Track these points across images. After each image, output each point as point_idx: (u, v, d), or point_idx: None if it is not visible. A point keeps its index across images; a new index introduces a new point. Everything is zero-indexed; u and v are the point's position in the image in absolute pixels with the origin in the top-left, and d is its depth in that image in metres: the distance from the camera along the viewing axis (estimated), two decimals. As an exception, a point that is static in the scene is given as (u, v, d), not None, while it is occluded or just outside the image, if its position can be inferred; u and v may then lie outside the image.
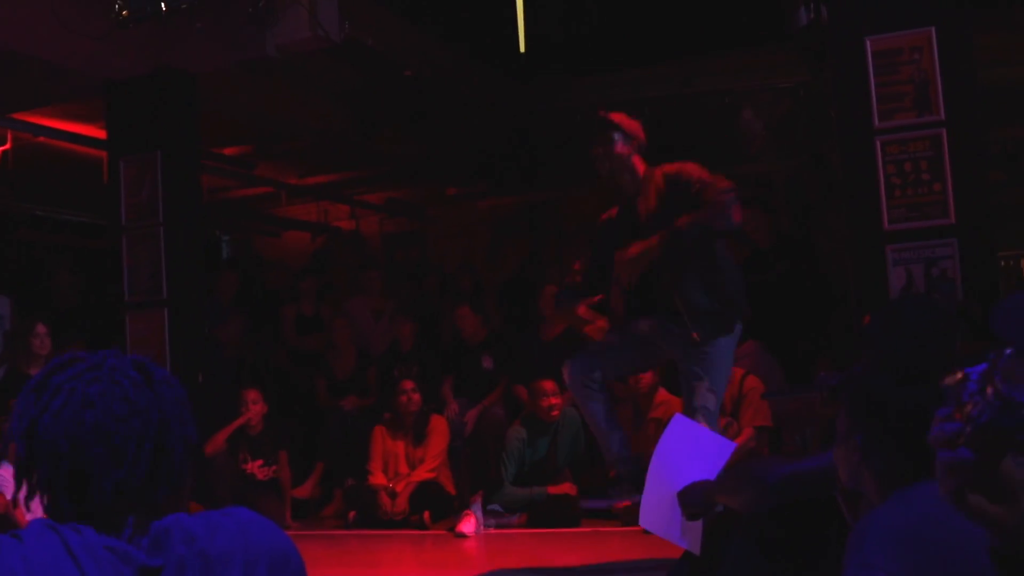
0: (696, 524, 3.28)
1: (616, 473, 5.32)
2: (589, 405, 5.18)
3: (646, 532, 3.77)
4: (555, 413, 7.43)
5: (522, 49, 6.99)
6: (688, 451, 3.49)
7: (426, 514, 7.50)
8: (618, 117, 5.26)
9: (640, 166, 5.22)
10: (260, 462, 7.89)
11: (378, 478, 7.80)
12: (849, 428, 2.16)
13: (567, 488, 7.30)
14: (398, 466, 7.84)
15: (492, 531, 7.16)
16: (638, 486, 5.18)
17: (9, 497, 6.59)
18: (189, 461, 1.76)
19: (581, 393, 5.19)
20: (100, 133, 8.92)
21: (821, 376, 3.66)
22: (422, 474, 7.70)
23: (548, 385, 7.42)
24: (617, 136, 5.20)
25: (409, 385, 7.83)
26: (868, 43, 6.08)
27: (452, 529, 7.13)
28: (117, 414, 1.66)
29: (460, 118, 10.52)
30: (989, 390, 1.41)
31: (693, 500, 3.29)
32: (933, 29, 5.97)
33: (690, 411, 4.89)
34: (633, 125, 5.28)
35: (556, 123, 10.59)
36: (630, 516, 6.73)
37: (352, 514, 7.83)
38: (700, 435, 3.64)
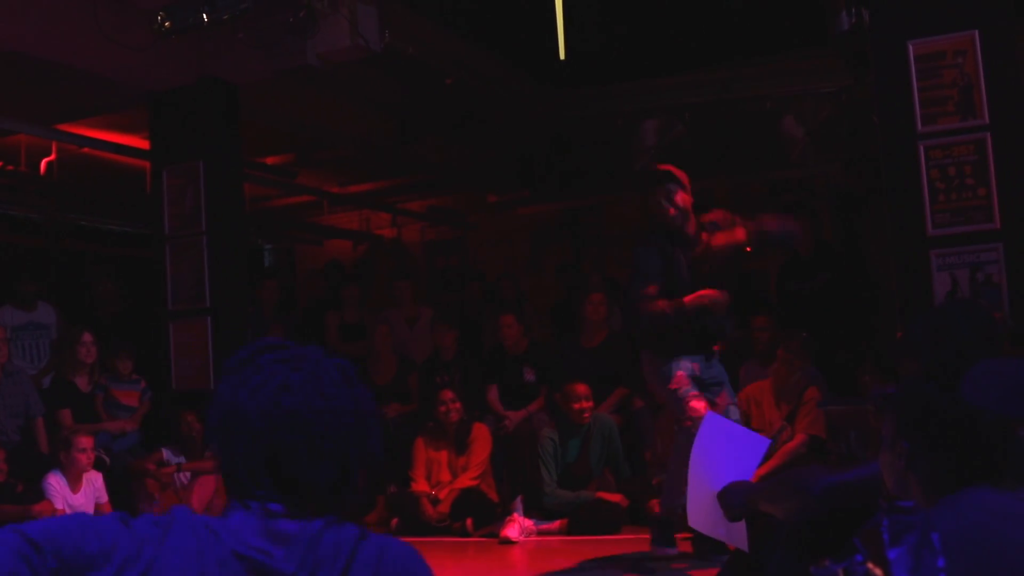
0: (740, 524, 3.26)
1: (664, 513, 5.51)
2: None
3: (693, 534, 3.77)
4: (586, 416, 7.47)
5: (562, 56, 6.99)
6: (724, 449, 3.48)
7: (468, 521, 7.50)
8: (666, 167, 5.80)
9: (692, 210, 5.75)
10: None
11: (420, 485, 7.81)
12: (895, 435, 2.14)
13: (617, 497, 7.29)
14: (440, 474, 7.85)
15: (535, 537, 7.15)
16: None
17: (58, 507, 6.66)
18: (370, 473, 1.77)
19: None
20: (143, 144, 8.99)
21: (876, 387, 3.64)
22: (465, 481, 7.70)
23: (580, 388, 7.45)
24: (674, 187, 5.66)
25: (449, 395, 7.83)
26: (911, 47, 6.03)
27: (496, 535, 7.13)
28: (314, 406, 1.67)
29: (500, 125, 10.53)
30: None
31: (733, 502, 3.26)
32: (976, 32, 5.91)
33: None
34: (681, 173, 5.74)
35: (596, 130, 10.59)
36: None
37: (394, 521, 7.83)
38: (734, 432, 3.62)
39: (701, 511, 3.39)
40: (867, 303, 8.32)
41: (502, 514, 7.36)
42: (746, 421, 6.71)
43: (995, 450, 2.02)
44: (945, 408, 2.06)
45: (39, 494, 6.68)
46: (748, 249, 5.56)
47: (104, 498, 7.00)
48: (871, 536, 1.59)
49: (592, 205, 12.22)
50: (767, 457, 6.16)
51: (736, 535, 3.27)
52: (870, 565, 1.57)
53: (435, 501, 7.68)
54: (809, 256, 8.27)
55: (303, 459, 1.66)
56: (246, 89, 8.23)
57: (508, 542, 6.98)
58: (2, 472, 6.87)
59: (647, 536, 5.92)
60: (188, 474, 7.73)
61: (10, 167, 9.82)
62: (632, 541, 6.33)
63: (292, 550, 1.61)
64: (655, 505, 7.03)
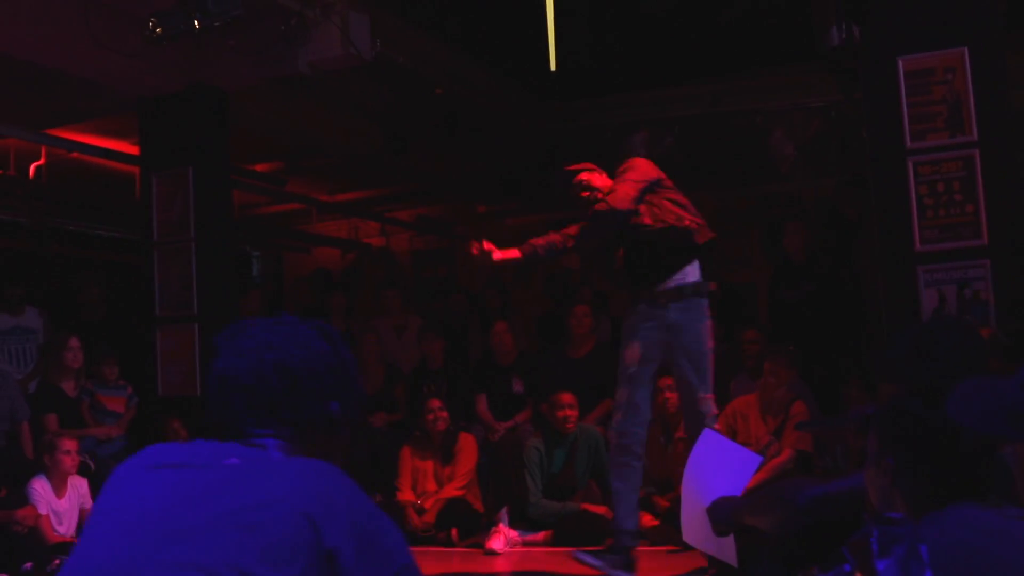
0: (729, 539, 3.27)
1: (614, 542, 5.48)
2: (620, 478, 5.56)
3: (682, 548, 3.79)
4: (570, 426, 7.46)
5: (553, 68, 7.00)
6: (716, 464, 3.49)
7: (454, 531, 7.49)
8: (574, 166, 5.77)
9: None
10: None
11: (406, 494, 7.80)
12: (879, 451, 2.15)
13: (602, 509, 7.28)
14: (426, 483, 7.84)
15: (520, 548, 7.15)
16: (627, 565, 5.39)
17: (42, 512, 6.64)
18: (356, 414, 2.01)
19: (618, 461, 5.57)
20: (133, 149, 8.99)
21: (856, 408, 3.65)
22: (450, 491, 7.69)
23: (566, 397, 7.44)
24: (585, 177, 5.72)
25: (436, 404, 7.82)
26: (900, 63, 6.06)
27: (481, 545, 7.12)
28: (294, 356, 1.91)
29: (490, 136, 10.54)
30: None
31: (720, 516, 3.27)
32: (966, 49, 5.94)
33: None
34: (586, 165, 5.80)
35: (585, 141, 10.60)
36: (657, 536, 6.73)
37: (379, 531, 7.81)
38: (728, 449, 3.63)
39: (693, 526, 3.40)
40: (852, 316, 8.33)
41: (487, 524, 7.35)
42: (732, 435, 6.71)
43: (979, 467, 2.04)
44: (930, 425, 2.07)
45: (23, 499, 6.65)
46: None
47: (89, 503, 6.96)
48: (860, 546, 1.60)
49: (580, 217, 12.20)
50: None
51: (726, 550, 3.28)
52: (858, 575, 1.58)
53: (420, 511, 7.67)
54: (801, 264, 8.27)
55: (290, 402, 1.90)
56: (236, 96, 8.23)
57: (493, 553, 6.97)
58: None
59: (646, 548, 5.99)
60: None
61: (-1, 171, 9.81)
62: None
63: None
64: (641, 517, 7.04)
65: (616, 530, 5.52)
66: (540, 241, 5.58)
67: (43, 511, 6.64)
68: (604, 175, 5.69)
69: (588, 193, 5.63)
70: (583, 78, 9.17)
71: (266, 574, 1.63)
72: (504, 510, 7.33)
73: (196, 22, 6.34)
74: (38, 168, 9.78)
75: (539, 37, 6.98)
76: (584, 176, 5.67)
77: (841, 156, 9.46)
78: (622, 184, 5.45)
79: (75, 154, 9.41)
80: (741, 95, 9.95)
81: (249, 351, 1.93)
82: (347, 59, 7.39)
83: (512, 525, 7.29)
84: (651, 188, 5.50)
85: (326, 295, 10.78)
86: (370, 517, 1.79)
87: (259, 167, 11.10)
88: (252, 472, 1.76)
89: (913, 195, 5.97)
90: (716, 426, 6.40)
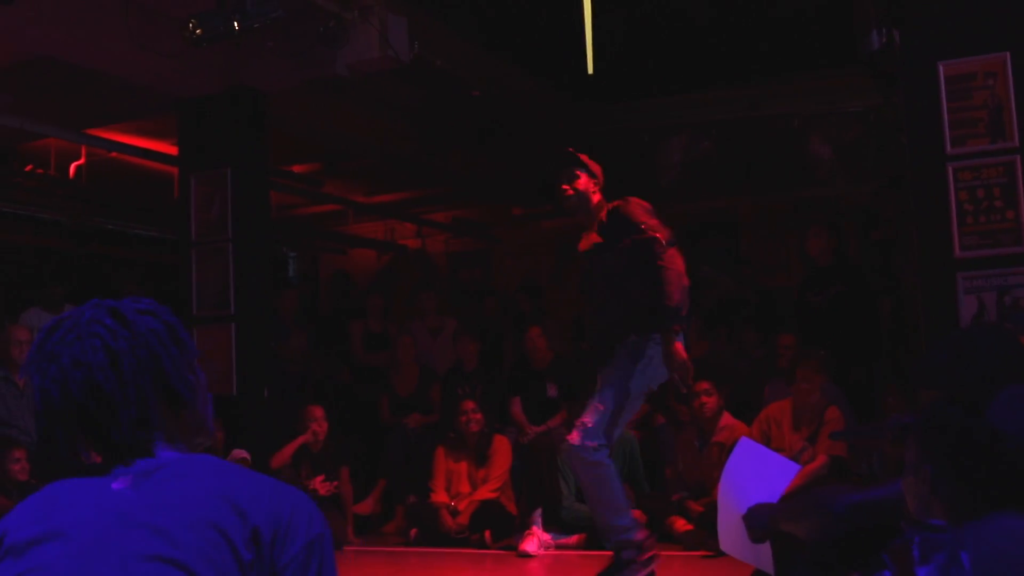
0: (765, 546, 3.26)
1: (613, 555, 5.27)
2: (592, 482, 5.29)
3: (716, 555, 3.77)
4: None
5: (590, 71, 6.98)
6: (753, 473, 3.48)
7: (487, 533, 7.50)
8: (582, 156, 5.61)
9: (595, 200, 5.58)
10: (322, 477, 7.91)
11: (440, 496, 7.81)
12: (919, 459, 2.13)
13: (636, 513, 7.24)
14: (460, 485, 7.85)
15: (553, 551, 7.15)
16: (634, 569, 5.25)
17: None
18: (191, 377, 1.88)
19: (581, 466, 5.31)
20: (171, 149, 9.04)
21: (894, 416, 3.62)
22: (484, 493, 7.70)
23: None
24: (581, 172, 5.55)
25: (470, 406, 7.84)
26: (941, 68, 6.00)
27: (515, 547, 7.13)
28: (101, 364, 1.75)
29: (526, 138, 10.54)
30: None
31: (756, 523, 3.26)
32: (1008, 54, 5.88)
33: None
34: (595, 164, 5.64)
35: (622, 145, 10.58)
36: (692, 540, 6.71)
37: (414, 531, 7.84)
38: (765, 457, 3.62)
39: (730, 533, 3.40)
40: (881, 320, 8.26)
41: (520, 527, 7.35)
42: (766, 441, 6.67)
43: (1020, 475, 2.01)
44: (970, 433, 2.05)
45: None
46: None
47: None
48: (901, 553, 1.58)
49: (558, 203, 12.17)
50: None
51: (762, 557, 3.27)
52: None
53: (454, 512, 7.68)
54: (826, 267, 8.22)
55: (111, 413, 1.75)
56: (275, 97, 8.27)
57: (526, 555, 6.97)
58: (24, 472, 6.92)
59: (669, 552, 5.92)
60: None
61: (40, 170, 9.89)
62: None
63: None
64: (675, 522, 7.02)
65: (614, 540, 5.28)
66: (672, 305, 5.09)
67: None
68: (594, 182, 5.61)
69: (572, 191, 5.56)
70: (620, 81, 9.15)
71: None
72: (537, 513, 7.33)
73: (235, 24, 6.37)
74: (78, 168, 9.87)
75: (576, 39, 6.97)
76: (582, 174, 5.57)
77: (879, 161, 9.39)
78: (651, 218, 5.34)
79: (114, 154, 9.48)
80: (779, 99, 9.90)
81: (55, 375, 1.77)
82: (385, 61, 7.41)
83: (545, 528, 7.29)
84: None
85: (347, 295, 10.84)
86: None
87: (296, 168, 11.15)
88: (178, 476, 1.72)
89: (953, 201, 5.90)
90: (751, 432, 6.38)
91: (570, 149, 5.69)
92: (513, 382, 8.69)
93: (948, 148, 5.94)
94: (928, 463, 2.09)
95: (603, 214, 5.50)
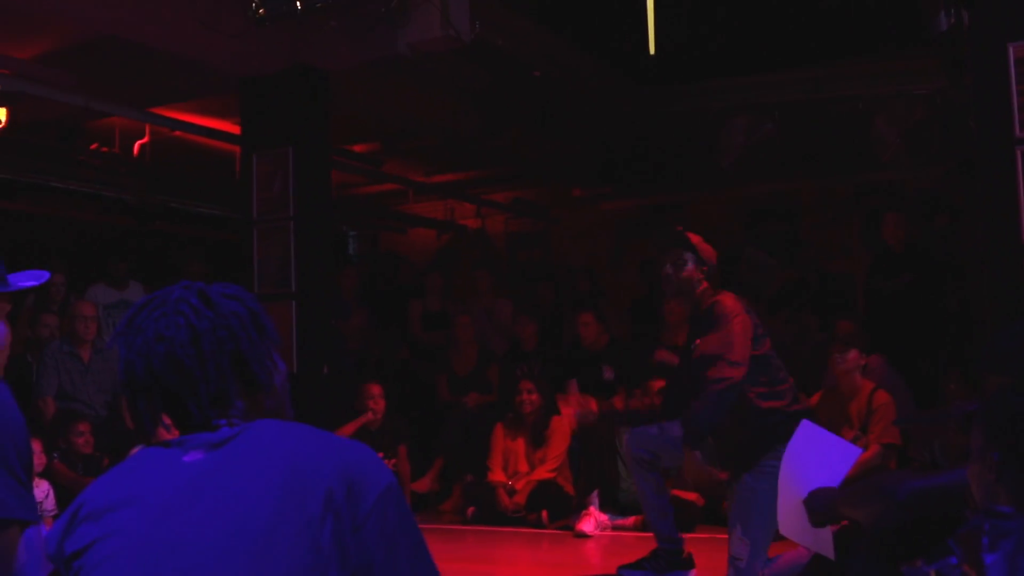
0: (826, 530, 3.23)
1: (657, 547, 5.30)
2: (639, 480, 5.26)
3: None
4: None
5: (652, 52, 6.94)
6: (814, 457, 3.45)
7: (544, 513, 7.52)
8: (695, 238, 5.13)
9: (698, 290, 5.08)
10: (380, 455, 7.92)
11: (497, 475, 7.85)
12: (985, 446, 2.10)
13: (693, 496, 7.24)
14: (517, 464, 7.88)
15: (609, 532, 7.15)
16: (673, 565, 5.21)
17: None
18: (268, 363, 1.93)
19: (634, 466, 5.28)
20: (234, 128, 9.11)
21: (957, 403, 3.57)
22: (542, 473, 7.72)
23: (659, 384, 7.38)
24: (689, 257, 5.08)
25: (528, 386, 7.86)
26: (1011, 49, 5.87)
27: (571, 528, 7.14)
28: (182, 341, 1.83)
29: (586, 120, 10.51)
30: None
31: (818, 507, 3.24)
32: (1080, 36, 5.76)
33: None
34: (708, 249, 5.13)
35: (683, 126, 10.52)
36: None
37: (471, 510, 7.88)
38: (826, 440, 3.58)
39: (790, 517, 3.37)
40: (951, 309, 8.17)
41: (577, 507, 7.37)
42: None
43: (1089, 463, 1.98)
44: (1038, 420, 2.02)
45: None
46: None
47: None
48: (969, 539, 1.57)
49: (676, 202, 12.15)
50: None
51: (822, 542, 3.24)
52: (965, 568, 1.54)
53: (511, 492, 7.71)
54: (899, 254, 8.12)
55: (189, 388, 1.84)
56: (336, 77, 8.29)
57: (583, 535, 6.99)
58: (89, 445, 7.03)
59: (722, 535, 5.86)
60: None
61: (104, 149, 10.01)
62: (707, 540, 6.29)
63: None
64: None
65: (655, 535, 5.37)
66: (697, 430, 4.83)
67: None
68: (702, 270, 5.11)
69: (675, 276, 5.08)
70: (682, 62, 9.09)
71: None
72: (595, 493, 7.34)
73: (298, 3, 6.41)
74: (142, 146, 9.97)
75: (638, 20, 6.93)
76: (689, 259, 5.07)
77: (945, 145, 9.25)
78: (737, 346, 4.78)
79: (178, 133, 9.58)
80: (844, 81, 9.78)
81: (140, 348, 1.85)
82: (446, 41, 7.40)
83: (602, 509, 7.30)
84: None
85: (400, 278, 10.89)
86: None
87: (357, 148, 11.20)
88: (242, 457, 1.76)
89: (1021, 186, 5.79)
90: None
91: (679, 228, 5.23)
92: (569, 364, 8.69)
93: (1017, 131, 5.83)
94: (995, 450, 2.06)
95: (707, 304, 5.02)
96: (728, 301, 4.88)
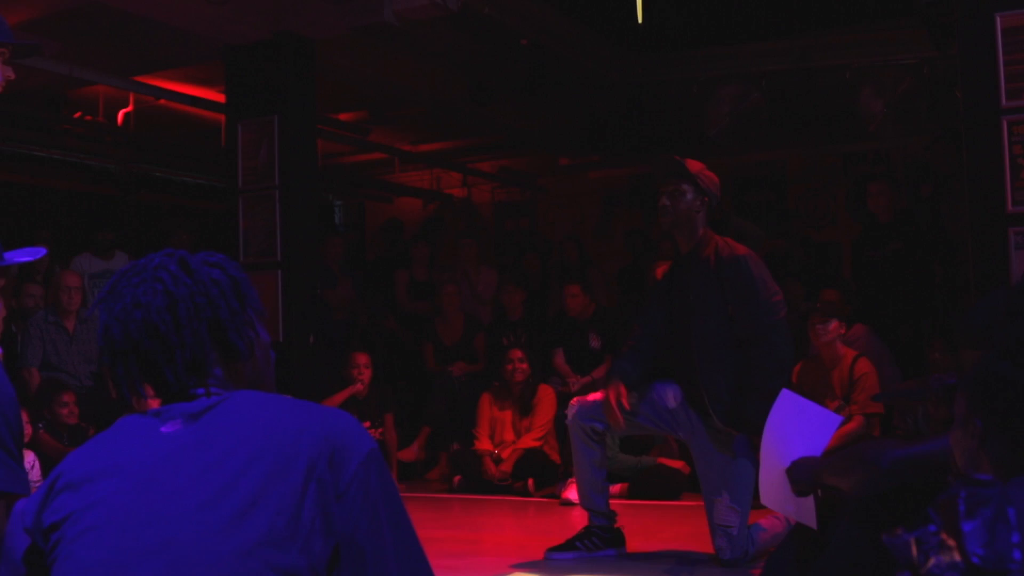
0: (808, 500, 3.24)
1: (589, 524, 5.12)
2: (583, 451, 5.07)
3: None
4: None
5: (639, 20, 6.92)
6: (794, 425, 3.45)
7: (530, 481, 7.55)
8: (696, 166, 4.89)
9: (701, 228, 4.87)
10: (367, 424, 7.97)
11: (484, 443, 7.87)
12: (968, 412, 2.11)
13: (679, 464, 7.27)
14: (504, 433, 7.90)
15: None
16: (607, 543, 5.03)
17: None
18: (249, 332, 1.92)
19: (577, 437, 5.09)
20: (219, 97, 9.07)
21: (935, 377, 3.56)
22: (528, 442, 7.75)
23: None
24: (687, 188, 4.85)
25: (517, 355, 7.86)
26: (998, 19, 5.87)
27: (557, 496, 7.17)
28: (159, 307, 1.82)
29: (574, 88, 10.48)
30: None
31: (801, 476, 3.25)
32: (1068, 5, 5.76)
33: (711, 529, 4.76)
34: (710, 178, 4.92)
35: (670, 95, 10.50)
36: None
37: (457, 478, 7.91)
38: (806, 409, 3.58)
39: (772, 487, 3.38)
40: (937, 277, 8.19)
41: (563, 475, 7.39)
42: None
43: (1072, 431, 1.99)
44: (1020, 388, 2.03)
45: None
46: None
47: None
48: (946, 507, 1.57)
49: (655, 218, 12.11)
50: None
51: (805, 511, 3.25)
52: (944, 536, 1.55)
53: (498, 460, 7.74)
54: (887, 223, 8.13)
55: (165, 354, 1.82)
56: (322, 45, 8.26)
57: (569, 503, 7.01)
58: (74, 415, 7.02)
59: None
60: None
61: (88, 117, 9.96)
62: (692, 508, 6.31)
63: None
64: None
65: (588, 510, 5.16)
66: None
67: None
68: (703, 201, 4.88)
69: (671, 207, 4.85)
70: (669, 31, 9.07)
71: None
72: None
73: (284, -30, 6.36)
74: (126, 115, 9.92)
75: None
76: (688, 188, 4.83)
77: (931, 115, 9.26)
78: (770, 281, 4.76)
79: (162, 101, 9.53)
80: (831, 50, 9.76)
81: (118, 314, 1.84)
82: (433, 8, 7.37)
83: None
84: None
85: (397, 244, 10.85)
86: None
87: (343, 116, 11.16)
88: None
89: (1007, 155, 5.81)
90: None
91: (676, 157, 4.90)
92: (556, 332, 8.70)
93: (1003, 101, 5.84)
94: (977, 418, 2.07)
95: (709, 250, 4.83)
96: (739, 249, 4.78)
